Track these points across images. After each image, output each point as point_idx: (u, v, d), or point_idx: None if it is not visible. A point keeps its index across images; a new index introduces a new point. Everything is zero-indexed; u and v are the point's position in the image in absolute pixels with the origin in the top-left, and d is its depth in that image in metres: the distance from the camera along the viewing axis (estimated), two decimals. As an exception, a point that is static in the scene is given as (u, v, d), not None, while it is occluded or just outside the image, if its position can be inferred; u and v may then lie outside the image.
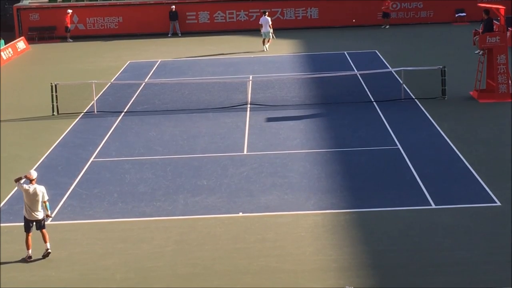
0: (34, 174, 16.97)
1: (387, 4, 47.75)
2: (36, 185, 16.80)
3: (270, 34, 41.48)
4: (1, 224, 18.72)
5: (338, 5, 48.71)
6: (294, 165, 22.27)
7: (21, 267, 16.42)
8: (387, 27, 47.66)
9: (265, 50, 41.34)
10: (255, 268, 15.91)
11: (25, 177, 16.90)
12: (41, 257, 16.74)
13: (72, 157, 23.75)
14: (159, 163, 22.92)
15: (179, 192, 20.49)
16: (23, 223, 17.16)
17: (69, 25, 47.91)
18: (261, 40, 41.90)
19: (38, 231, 16.87)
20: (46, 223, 17.09)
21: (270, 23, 41.46)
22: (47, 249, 16.79)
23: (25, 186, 16.78)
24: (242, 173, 21.74)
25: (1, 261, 16.68)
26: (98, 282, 15.60)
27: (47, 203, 16.92)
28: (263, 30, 41.49)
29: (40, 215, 16.78)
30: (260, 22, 42.01)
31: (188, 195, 20.20)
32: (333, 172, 21.52)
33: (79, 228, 18.26)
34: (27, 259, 16.68)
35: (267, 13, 42.36)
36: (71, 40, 47.74)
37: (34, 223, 16.80)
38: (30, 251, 16.76)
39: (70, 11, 47.82)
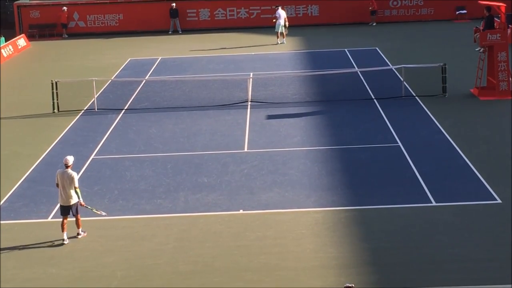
0: (70, 159, 17.60)
1: (372, 3, 47.80)
2: (69, 170, 17.37)
3: (280, 27, 41.91)
4: (1, 222, 18.73)
5: (338, 3, 48.68)
6: (294, 162, 22.27)
7: (21, 264, 16.44)
8: (374, 24, 47.66)
9: (280, 43, 41.93)
10: (256, 266, 15.92)
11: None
12: (44, 252, 16.80)
13: (73, 155, 23.58)
14: (160, 161, 22.92)
15: (179, 189, 20.50)
16: (24, 221, 17.19)
17: (65, 22, 48.04)
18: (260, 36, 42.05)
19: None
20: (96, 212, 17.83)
21: (285, 16, 42.18)
22: (78, 233, 17.52)
23: (58, 171, 17.45)
24: (242, 171, 21.74)
25: (2, 258, 16.69)
26: (99, 279, 15.61)
27: (78, 190, 17.38)
28: (277, 23, 42.10)
29: (72, 200, 17.31)
30: (277, 15, 42.41)
31: (188, 193, 20.21)
32: (334, 169, 21.52)
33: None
34: (62, 242, 17.29)
35: (280, 7, 42.62)
36: (66, 36, 47.87)
37: (70, 208, 17.35)
38: (64, 234, 17.36)
39: (65, 8, 47.92)
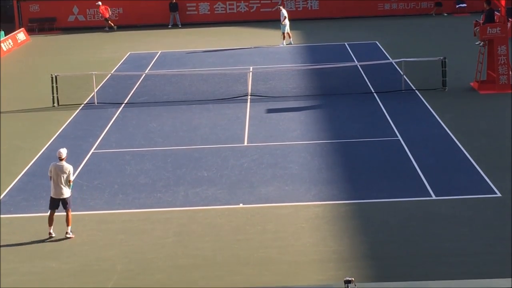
0: (63, 152, 17.44)
1: None
2: (64, 163, 17.29)
3: (284, 28, 39.94)
4: (1, 216, 18.74)
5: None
6: (294, 156, 22.27)
7: (21, 258, 16.44)
8: (445, 14, 47.52)
9: (287, 44, 39.97)
10: (256, 259, 15.93)
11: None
12: (44, 246, 16.82)
13: (73, 149, 23.67)
14: (160, 155, 22.93)
15: (179, 183, 20.50)
16: (24, 215, 17.22)
17: (106, 16, 47.48)
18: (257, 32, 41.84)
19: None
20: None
21: (285, 15, 39.88)
22: (66, 232, 17.24)
23: (52, 164, 17.34)
24: (242, 165, 21.74)
25: (2, 252, 16.70)
26: (99, 273, 15.61)
27: (71, 184, 17.34)
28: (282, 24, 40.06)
29: (65, 193, 17.19)
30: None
31: (188, 187, 20.21)
32: (334, 163, 21.53)
33: (80, 219, 18.24)
34: (48, 236, 17.19)
35: (281, 6, 41.45)
36: (111, 29, 47.04)
37: (60, 201, 17.22)
38: (51, 228, 17.24)
39: (100, 3, 47.50)
